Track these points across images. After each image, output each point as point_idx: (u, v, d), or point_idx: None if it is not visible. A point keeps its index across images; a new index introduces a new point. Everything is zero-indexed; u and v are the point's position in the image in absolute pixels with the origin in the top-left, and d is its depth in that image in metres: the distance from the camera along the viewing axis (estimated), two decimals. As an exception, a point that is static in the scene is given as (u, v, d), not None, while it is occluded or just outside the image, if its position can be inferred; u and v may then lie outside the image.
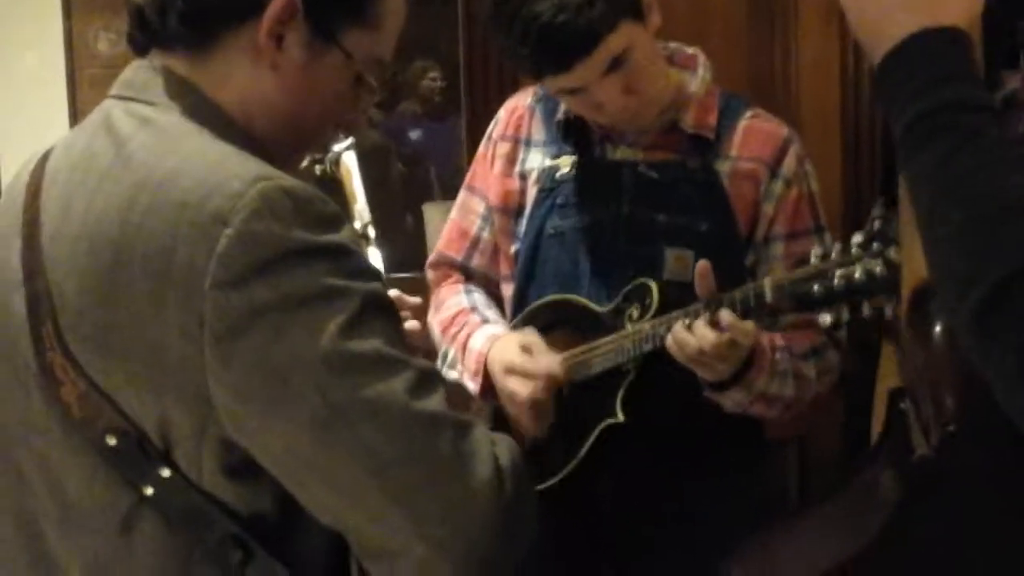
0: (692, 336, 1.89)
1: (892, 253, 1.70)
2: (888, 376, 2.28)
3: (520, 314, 2.24)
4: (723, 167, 2.13)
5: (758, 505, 2.18)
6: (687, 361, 1.92)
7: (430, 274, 2.43)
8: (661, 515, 2.13)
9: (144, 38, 1.36)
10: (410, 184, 4.52)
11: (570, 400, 2.13)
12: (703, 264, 1.91)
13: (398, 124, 4.66)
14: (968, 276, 1.07)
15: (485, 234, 2.32)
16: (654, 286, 2.04)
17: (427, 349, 2.29)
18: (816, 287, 1.77)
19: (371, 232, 1.92)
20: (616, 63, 1.98)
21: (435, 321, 2.35)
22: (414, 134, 4.68)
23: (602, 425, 2.07)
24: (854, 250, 1.75)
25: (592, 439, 2.08)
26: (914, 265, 1.49)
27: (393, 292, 1.73)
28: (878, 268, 1.71)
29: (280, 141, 1.38)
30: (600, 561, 2.20)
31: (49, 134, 3.57)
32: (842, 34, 2.99)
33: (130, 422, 1.24)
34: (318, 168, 2.00)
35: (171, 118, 1.30)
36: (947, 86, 1.12)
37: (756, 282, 1.90)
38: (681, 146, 2.15)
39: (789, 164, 2.13)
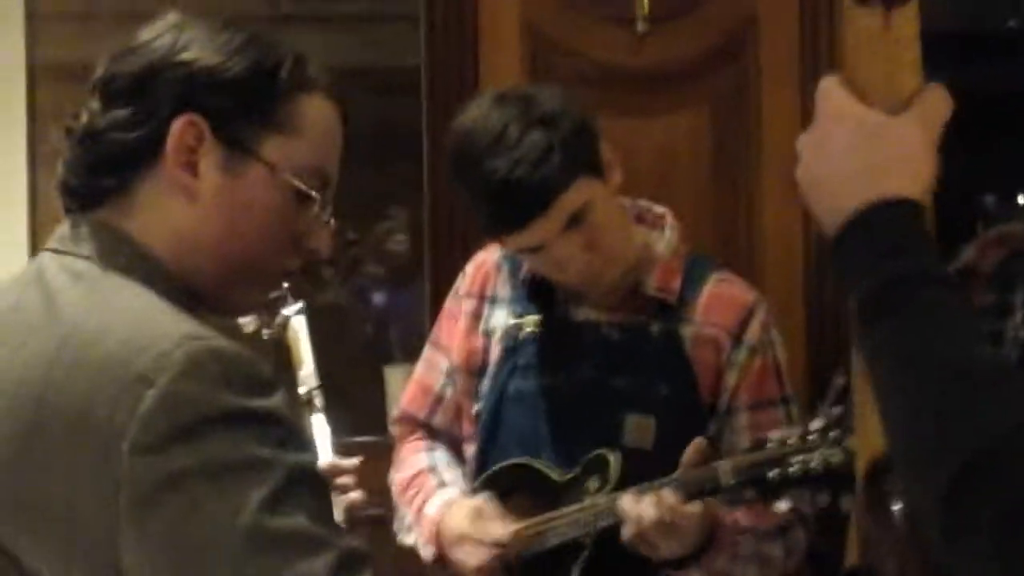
0: (634, 511, 1.86)
1: (851, 442, 1.65)
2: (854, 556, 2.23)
3: (480, 477, 2.20)
4: (686, 332, 2.10)
5: None
6: (631, 539, 1.88)
7: (394, 430, 2.38)
8: None
9: (74, 202, 1.32)
10: (371, 347, 4.49)
11: (525, 573, 2.07)
12: (701, 442, 1.88)
13: (361, 286, 4.66)
14: (934, 454, 1.04)
15: (448, 392, 2.28)
16: (612, 459, 2.01)
17: (376, 515, 2.25)
18: (772, 473, 1.75)
19: (317, 399, 1.88)
20: (574, 220, 1.96)
21: (395, 478, 2.30)
22: (377, 297, 4.67)
23: None
24: (812, 436, 1.73)
25: None
26: (868, 440, 1.47)
27: (328, 459, 1.69)
28: (836, 458, 1.69)
29: (222, 278, 1.32)
30: None
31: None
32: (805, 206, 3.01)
33: None
34: (266, 332, 1.96)
35: (103, 272, 1.26)
36: (901, 258, 1.10)
37: (712, 464, 1.86)
38: (644, 308, 2.12)
39: (753, 332, 2.10)
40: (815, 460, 1.70)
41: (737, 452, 2.01)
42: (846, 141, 1.14)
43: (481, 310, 2.24)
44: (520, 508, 2.11)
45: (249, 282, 1.36)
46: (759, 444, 1.81)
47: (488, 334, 2.22)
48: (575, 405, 2.12)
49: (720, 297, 2.12)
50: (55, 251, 1.31)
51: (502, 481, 2.16)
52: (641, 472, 1.96)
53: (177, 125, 1.27)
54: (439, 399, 2.30)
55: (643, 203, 2.19)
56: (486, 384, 2.21)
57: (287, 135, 1.32)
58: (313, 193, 1.34)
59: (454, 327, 2.27)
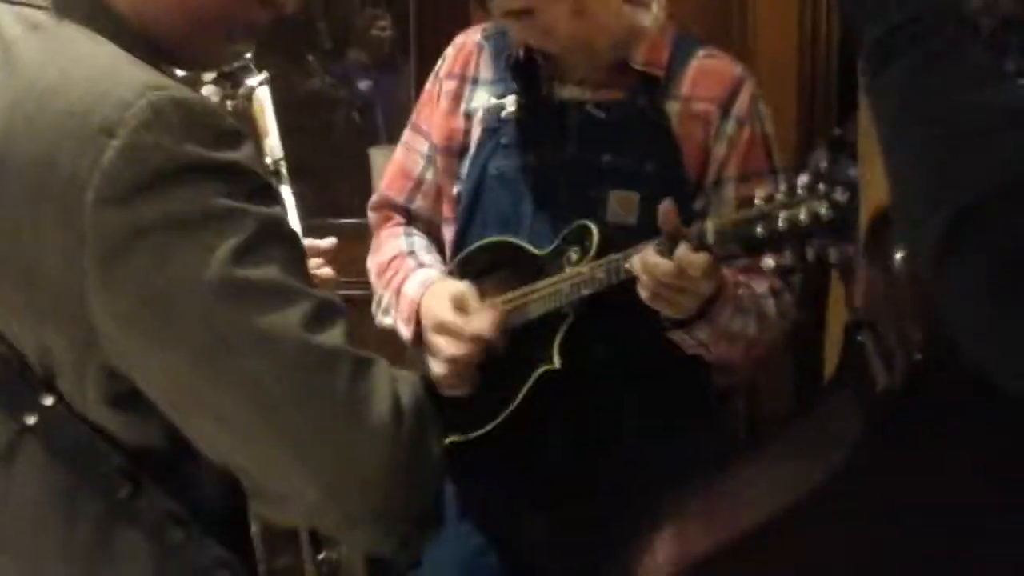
0: (647, 266, 1.83)
1: (838, 195, 1.65)
2: (836, 324, 2.24)
3: (458, 256, 2.19)
4: (672, 107, 2.07)
5: (706, 455, 2.08)
6: (650, 295, 1.86)
7: (371, 216, 2.36)
8: (603, 461, 2.08)
9: None
10: (358, 132, 4.47)
11: (505, 347, 2.07)
12: (668, 204, 1.84)
13: (345, 72, 4.60)
14: (932, 199, 1.02)
15: (428, 175, 2.26)
16: (594, 228, 1.99)
17: (358, 295, 2.24)
18: (759, 229, 1.72)
19: (283, 169, 1.87)
20: None
21: (372, 263, 2.30)
22: (362, 83, 4.61)
23: (538, 372, 2.02)
24: (800, 191, 1.69)
25: (528, 386, 2.03)
26: (873, 191, 1.44)
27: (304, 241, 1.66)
28: (823, 210, 1.65)
29: (187, 30, 1.27)
30: (541, 507, 2.15)
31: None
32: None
33: (10, 347, 1.17)
34: (230, 103, 1.93)
35: (61, 22, 1.20)
36: (910, 1, 1.07)
37: (699, 224, 1.83)
38: (630, 85, 2.08)
39: (742, 104, 2.06)
40: (803, 213, 1.66)
41: (737, 261, 1.98)
42: None
43: (462, 91, 2.21)
44: (500, 285, 2.10)
45: (215, 35, 1.30)
46: (746, 203, 1.78)
47: (469, 115, 2.19)
48: (558, 183, 2.09)
49: (707, 70, 2.09)
50: (9, 1, 1.25)
51: (479, 260, 2.15)
52: (624, 247, 1.94)
53: None
54: (419, 183, 2.28)
55: None
56: (467, 165, 2.18)
57: None
58: None
59: (434, 109, 2.24)
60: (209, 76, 1.85)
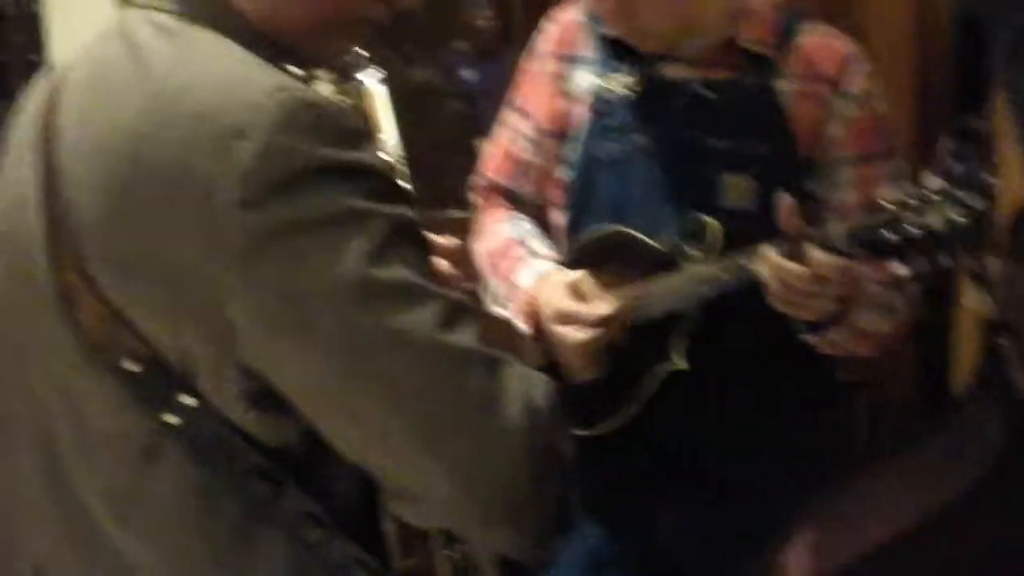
0: (777, 271, 1.77)
1: (974, 200, 1.58)
2: (965, 323, 2.19)
3: (572, 245, 2.14)
4: (784, 86, 2.00)
5: (828, 447, 2.09)
6: (781, 300, 1.80)
7: (475, 198, 2.34)
8: (726, 457, 2.04)
9: None
10: (462, 122, 4.48)
11: (624, 343, 2.03)
12: (787, 201, 1.78)
13: (448, 63, 4.62)
14: None
15: (533, 157, 2.21)
16: (713, 224, 1.95)
17: (465, 287, 2.22)
18: (891, 234, 1.64)
19: (400, 164, 1.86)
20: None
21: (480, 249, 2.26)
22: (465, 72, 4.63)
23: (660, 371, 1.99)
24: (932, 195, 1.62)
25: (650, 386, 2.01)
26: (1014, 185, 1.39)
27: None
28: (958, 216, 1.58)
29: (308, 26, 1.28)
30: (670, 504, 2.12)
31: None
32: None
33: (150, 347, 1.18)
34: (345, 99, 1.93)
35: (188, 25, 1.22)
36: None
37: (826, 226, 1.77)
38: (738, 64, 2.02)
39: (856, 81, 1.99)
40: (937, 220, 1.59)
41: (844, 210, 1.96)
42: None
43: (564, 71, 2.15)
44: (616, 277, 2.05)
45: (333, 31, 1.32)
46: (874, 206, 1.71)
47: (572, 96, 2.14)
48: (669, 167, 2.04)
49: (818, 47, 2.01)
50: (137, 6, 1.27)
51: (596, 249, 2.10)
52: (744, 233, 1.88)
53: None
54: (524, 165, 2.24)
55: None
56: (573, 148, 2.13)
57: None
58: None
59: (535, 90, 2.19)
60: (324, 72, 1.85)
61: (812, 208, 1.94)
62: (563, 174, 2.16)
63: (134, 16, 1.26)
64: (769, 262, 1.78)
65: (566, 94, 2.14)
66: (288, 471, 1.21)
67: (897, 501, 1.44)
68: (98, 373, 1.21)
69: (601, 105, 2.09)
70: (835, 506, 1.56)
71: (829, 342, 1.89)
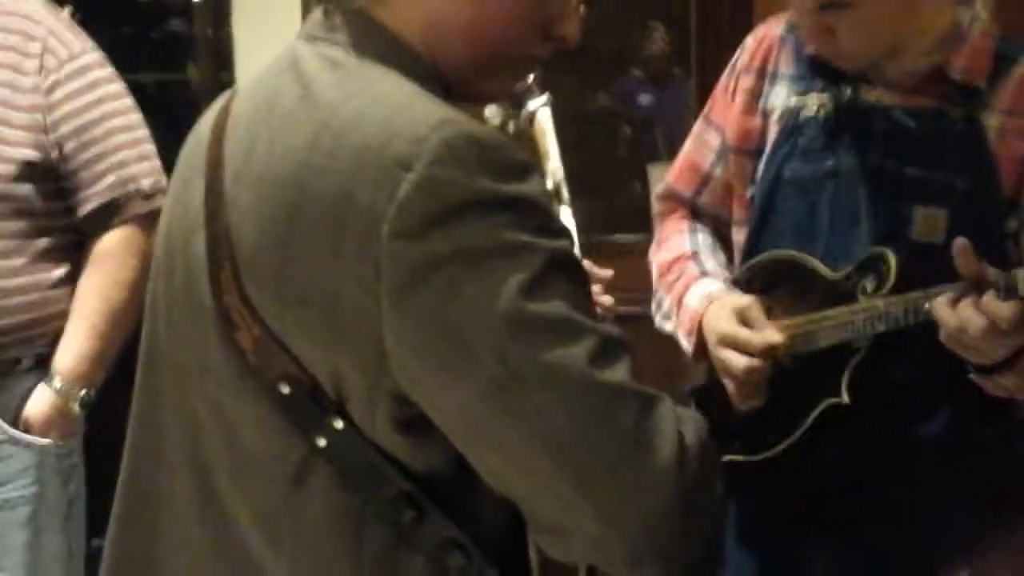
0: (953, 316, 1.72)
1: None
2: None
3: (745, 264, 2.11)
4: (991, 121, 1.91)
5: (1000, 483, 2.00)
6: (953, 343, 1.75)
7: (657, 205, 2.31)
8: (891, 489, 1.98)
9: None
10: (637, 147, 4.50)
11: (790, 371, 2.00)
12: (963, 243, 1.72)
13: (624, 88, 4.65)
14: None
15: (718, 171, 2.18)
16: (892, 259, 1.88)
17: (633, 312, 2.21)
18: None
19: (564, 190, 1.87)
20: (832, 4, 1.81)
21: (655, 259, 2.25)
22: (641, 98, 4.65)
23: (824, 404, 1.95)
24: None
25: (813, 417, 1.97)
26: None
27: (584, 263, 1.68)
28: None
29: (473, 64, 1.30)
30: (825, 536, 2.07)
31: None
32: None
33: (304, 371, 1.20)
34: (512, 124, 1.97)
35: (359, 60, 1.25)
36: None
37: (1012, 272, 1.70)
38: (945, 93, 1.93)
39: None
40: None
41: None
42: None
43: (760, 87, 2.10)
44: (785, 304, 2.02)
45: (499, 68, 1.33)
46: None
47: (767, 113, 2.09)
48: (858, 193, 1.98)
49: None
50: (309, 38, 1.30)
51: (768, 272, 2.07)
52: (929, 268, 1.83)
53: None
54: (707, 178, 2.20)
55: None
56: (762, 166, 2.08)
57: None
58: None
59: (729, 104, 2.14)
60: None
61: (1001, 250, 1.89)
62: (747, 191, 2.12)
63: (305, 49, 1.29)
64: (945, 307, 1.74)
65: (760, 110, 2.10)
66: (434, 497, 1.21)
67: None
68: (253, 395, 1.23)
69: (794, 124, 2.04)
70: (1010, 538, 1.52)
71: (998, 385, 1.82)
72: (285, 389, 1.21)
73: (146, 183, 2.64)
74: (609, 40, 4.64)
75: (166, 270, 1.36)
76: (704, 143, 2.20)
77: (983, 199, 1.92)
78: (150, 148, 2.67)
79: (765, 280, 2.07)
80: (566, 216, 1.78)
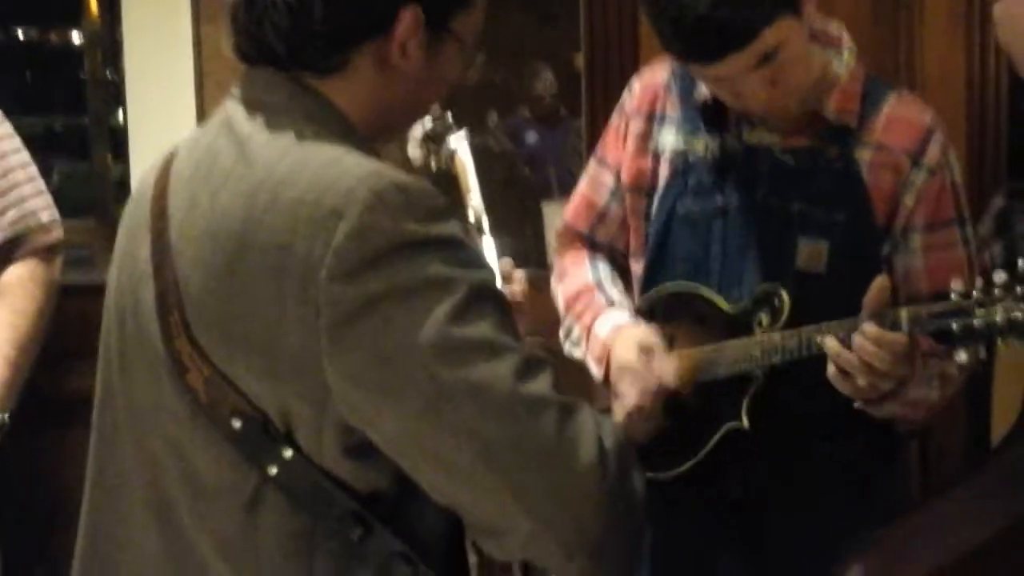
0: (845, 353, 1.86)
1: None
2: (1005, 372, 2.25)
3: (645, 295, 2.21)
4: (863, 155, 2.06)
5: (884, 500, 2.14)
6: (837, 381, 1.89)
7: (556, 241, 2.41)
8: (787, 509, 2.11)
9: (260, 56, 1.38)
10: (529, 186, 4.55)
11: (694, 396, 2.11)
12: (883, 282, 1.87)
13: (513, 128, 4.71)
14: None
15: (613, 207, 2.27)
16: (786, 295, 2.02)
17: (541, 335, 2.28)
18: (954, 324, 1.75)
19: (484, 223, 1.95)
20: (767, 58, 1.92)
21: (559, 290, 2.34)
22: (529, 138, 4.72)
23: (726, 428, 2.07)
24: (997, 291, 1.73)
25: (715, 441, 2.09)
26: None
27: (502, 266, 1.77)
28: (1021, 314, 1.69)
29: (397, 127, 1.47)
30: (724, 550, 2.19)
31: (177, 136, 3.69)
32: (968, 42, 2.94)
33: (253, 406, 1.30)
34: (433, 162, 2.04)
35: (290, 120, 1.35)
36: None
37: (894, 310, 1.85)
38: (820, 132, 2.08)
39: (932, 154, 2.05)
40: (999, 315, 1.70)
41: (913, 276, 2.05)
42: None
43: (649, 129, 2.21)
44: (687, 333, 2.14)
45: (407, 120, 1.52)
46: (941, 294, 1.80)
47: (657, 154, 2.20)
48: (746, 228, 2.10)
49: (899, 119, 2.08)
50: (243, 100, 1.40)
51: (668, 304, 2.18)
52: (813, 296, 1.98)
53: (406, 15, 1.34)
54: (603, 214, 2.30)
55: (817, 22, 2.08)
56: (655, 204, 2.20)
57: (468, 9, 1.41)
58: (478, 57, 1.45)
59: (620, 145, 2.25)
60: (415, 140, 1.97)
61: (877, 274, 2.01)
62: (642, 227, 2.23)
63: (237, 109, 1.39)
64: (836, 344, 1.88)
65: (651, 152, 2.20)
66: (378, 515, 1.31)
67: (950, 531, 1.50)
68: (207, 431, 1.33)
69: (684, 164, 2.15)
70: (889, 536, 1.62)
71: (882, 412, 1.96)
72: (237, 424, 1.30)
73: (45, 216, 2.71)
74: (498, 80, 4.71)
75: (117, 320, 1.44)
76: (599, 182, 2.30)
77: (859, 229, 2.07)
78: (42, 183, 2.78)
79: (666, 310, 2.18)
80: (488, 245, 1.86)
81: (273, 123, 1.35)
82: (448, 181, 2.01)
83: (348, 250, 1.23)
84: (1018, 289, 1.71)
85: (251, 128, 1.35)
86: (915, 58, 3.00)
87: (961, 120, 2.94)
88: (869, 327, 1.84)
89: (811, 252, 2.06)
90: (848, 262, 2.04)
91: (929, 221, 2.08)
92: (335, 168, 1.28)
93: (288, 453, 1.30)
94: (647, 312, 2.20)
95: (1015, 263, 1.70)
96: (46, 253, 2.72)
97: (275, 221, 1.26)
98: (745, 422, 2.04)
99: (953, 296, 1.78)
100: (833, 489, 2.09)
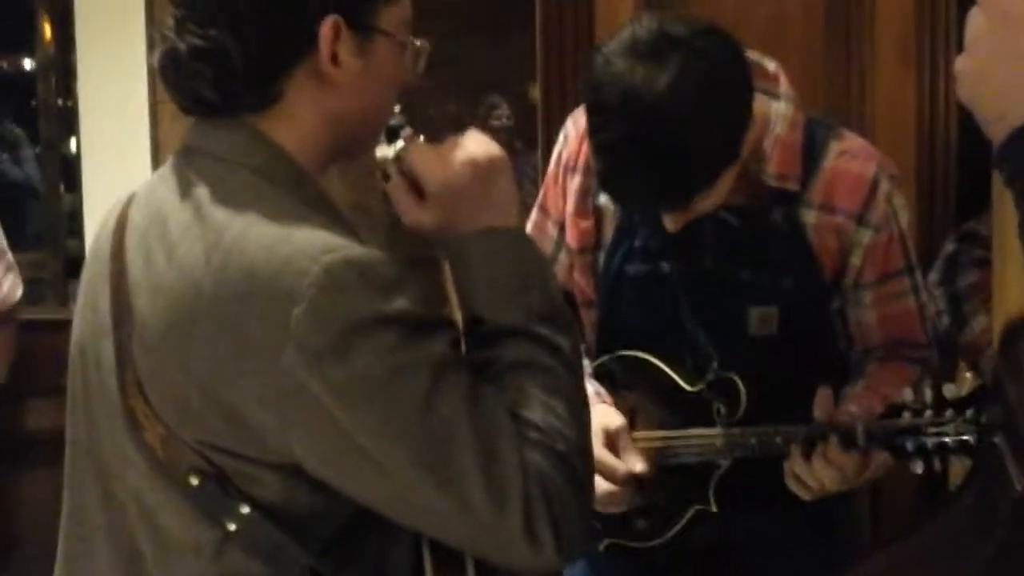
0: (808, 468, 1.92)
1: (985, 419, 1.74)
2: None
3: (607, 355, 2.20)
4: (808, 218, 2.04)
5: (835, 546, 2.17)
6: (795, 485, 1.96)
7: None
8: (749, 554, 2.16)
9: (204, 109, 1.39)
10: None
11: (660, 477, 2.12)
12: (825, 394, 1.92)
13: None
14: None
15: (560, 256, 2.24)
16: (742, 387, 2.03)
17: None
18: (909, 444, 1.82)
19: None
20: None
21: None
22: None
23: (694, 510, 2.10)
24: (948, 412, 1.80)
25: (684, 521, 2.11)
26: (1006, 297, 1.51)
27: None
28: (971, 437, 1.76)
29: (359, 141, 1.45)
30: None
31: (131, 165, 3.68)
32: (919, 79, 2.98)
33: (211, 464, 1.30)
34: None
35: (241, 175, 1.35)
36: None
37: (848, 422, 1.90)
38: (763, 191, 2.03)
39: (878, 210, 2.03)
40: (951, 436, 1.78)
41: (864, 328, 2.10)
42: None
43: (589, 184, 2.15)
44: (646, 409, 2.14)
45: (378, 133, 1.49)
46: (894, 409, 1.86)
47: (600, 210, 2.16)
48: (695, 294, 2.09)
49: (842, 176, 2.04)
50: (192, 149, 1.40)
51: (624, 370, 2.18)
52: (765, 355, 2.02)
53: (325, 29, 1.34)
54: (551, 263, 2.25)
55: (752, 56, 1.98)
56: (602, 261, 2.17)
57: (390, 3, 1.41)
58: (418, 42, 1.45)
59: (560, 198, 2.22)
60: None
61: (829, 330, 2.11)
62: (591, 282, 2.20)
63: (189, 163, 1.39)
64: (800, 460, 1.93)
65: (592, 207, 2.16)
66: (334, 567, 1.33)
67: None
68: (166, 486, 1.33)
69: (628, 224, 2.13)
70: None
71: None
72: (194, 481, 1.31)
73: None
74: (452, 113, 4.71)
75: (82, 370, 1.44)
76: (543, 231, 2.27)
77: (808, 292, 2.08)
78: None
79: (623, 376, 2.18)
80: None
81: (223, 179, 1.34)
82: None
83: (306, 336, 1.23)
84: (967, 412, 1.78)
85: (202, 182, 1.35)
86: (867, 93, 3.03)
87: (911, 154, 2.97)
88: (831, 444, 1.88)
89: (762, 317, 2.07)
90: (799, 323, 2.06)
91: (878, 276, 2.09)
92: (285, 245, 1.26)
93: (246, 510, 1.30)
94: (605, 375, 2.20)
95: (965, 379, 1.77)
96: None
97: (228, 292, 1.26)
98: (713, 506, 2.08)
99: (906, 414, 1.84)
100: (796, 530, 2.11)
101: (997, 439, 1.47)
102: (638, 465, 2.07)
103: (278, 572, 1.31)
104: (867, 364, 2.11)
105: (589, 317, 2.24)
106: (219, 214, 1.31)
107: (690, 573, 2.22)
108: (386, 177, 1.93)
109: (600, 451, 2.05)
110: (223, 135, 1.37)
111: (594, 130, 1.84)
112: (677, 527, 2.12)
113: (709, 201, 1.92)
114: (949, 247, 2.51)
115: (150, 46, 3.70)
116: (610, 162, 1.84)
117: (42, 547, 1.66)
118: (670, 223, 1.99)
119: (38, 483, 1.47)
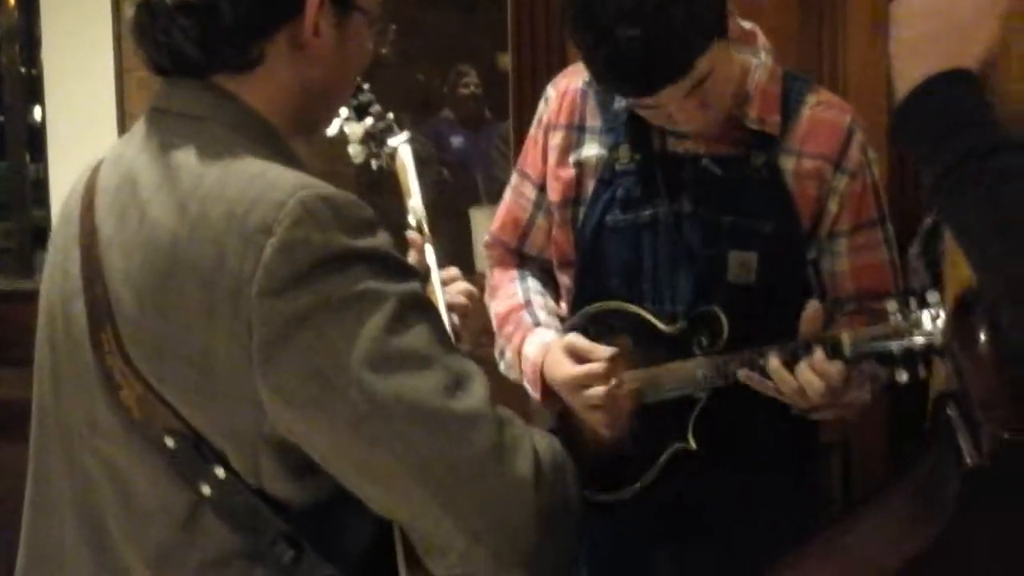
0: (792, 379, 1.93)
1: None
2: (940, 382, 2.30)
3: (579, 312, 2.21)
4: (787, 164, 2.08)
5: (805, 505, 2.20)
6: (781, 396, 1.95)
7: (486, 253, 2.41)
8: (724, 516, 2.14)
9: (180, 68, 1.37)
10: (454, 189, 4.52)
11: (638, 418, 2.12)
12: (816, 308, 1.94)
13: (436, 131, 4.66)
14: None
15: (538, 220, 2.28)
16: (724, 319, 2.04)
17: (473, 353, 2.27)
18: (894, 347, 1.84)
19: (425, 227, 1.92)
20: (700, 82, 1.93)
21: (492, 307, 2.34)
22: (454, 140, 4.68)
23: (674, 448, 2.09)
24: (932, 310, 1.82)
25: (664, 460, 2.11)
26: (958, 271, 1.52)
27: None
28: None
29: (320, 115, 1.46)
30: (669, 561, 2.23)
31: (97, 134, 3.64)
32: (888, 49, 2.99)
33: (186, 424, 1.28)
34: (374, 163, 2.02)
35: (213, 131, 1.34)
36: (967, 131, 1.16)
37: (833, 334, 1.92)
38: (744, 139, 2.09)
39: (853, 156, 2.09)
40: (934, 335, 1.81)
41: (839, 277, 2.13)
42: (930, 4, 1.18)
43: (570, 140, 2.20)
44: (625, 350, 2.13)
45: (327, 114, 1.50)
46: (878, 316, 1.89)
47: (581, 164, 2.19)
48: (676, 240, 2.11)
49: (819, 123, 2.10)
50: (162, 110, 1.39)
51: (602, 321, 2.18)
52: (743, 306, 2.02)
53: None
54: (529, 227, 2.30)
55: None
56: (582, 213, 2.19)
57: None
58: (392, 27, 1.45)
59: (540, 158, 2.24)
60: (355, 137, 1.95)
61: (804, 279, 2.11)
62: (571, 236, 2.21)
63: (159, 121, 1.37)
64: (783, 370, 1.94)
65: (574, 162, 2.19)
66: (310, 538, 1.30)
67: (858, 556, 1.54)
68: (140, 448, 1.31)
69: (609, 174, 2.15)
70: (816, 546, 1.65)
71: (820, 416, 2.02)
72: (170, 442, 1.28)
73: None
74: (420, 82, 4.69)
75: (49, 336, 1.42)
76: (522, 195, 2.30)
77: (786, 238, 2.10)
78: None
79: (599, 327, 2.18)
80: (429, 251, 1.84)
81: (195, 135, 1.33)
82: (388, 182, 2.00)
83: (278, 265, 1.22)
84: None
85: (174, 141, 1.34)
86: (838, 65, 3.03)
87: (883, 124, 2.97)
88: (817, 355, 1.90)
89: (741, 264, 2.08)
90: (776, 271, 2.08)
91: (853, 224, 2.12)
92: (261, 181, 1.26)
93: (221, 473, 1.28)
94: (581, 329, 2.19)
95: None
96: None
97: (204, 236, 1.25)
98: (692, 443, 2.07)
99: (891, 318, 1.85)
100: (762, 494, 2.11)
101: (950, 410, 1.48)
102: (607, 349, 2.07)
103: (251, 539, 1.29)
104: (837, 316, 2.12)
105: (565, 279, 2.26)
106: (193, 167, 1.30)
107: (658, 533, 2.21)
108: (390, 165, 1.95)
109: (571, 369, 2.08)
110: (193, 95, 1.36)
111: (586, 9, 1.89)
112: (652, 472, 2.11)
113: (676, 92, 1.93)
114: (928, 220, 2.54)
115: (116, 12, 3.69)
116: (602, 38, 1.88)
117: (9, 517, 1.64)
118: (653, 116, 2.04)
119: (5, 454, 1.45)
